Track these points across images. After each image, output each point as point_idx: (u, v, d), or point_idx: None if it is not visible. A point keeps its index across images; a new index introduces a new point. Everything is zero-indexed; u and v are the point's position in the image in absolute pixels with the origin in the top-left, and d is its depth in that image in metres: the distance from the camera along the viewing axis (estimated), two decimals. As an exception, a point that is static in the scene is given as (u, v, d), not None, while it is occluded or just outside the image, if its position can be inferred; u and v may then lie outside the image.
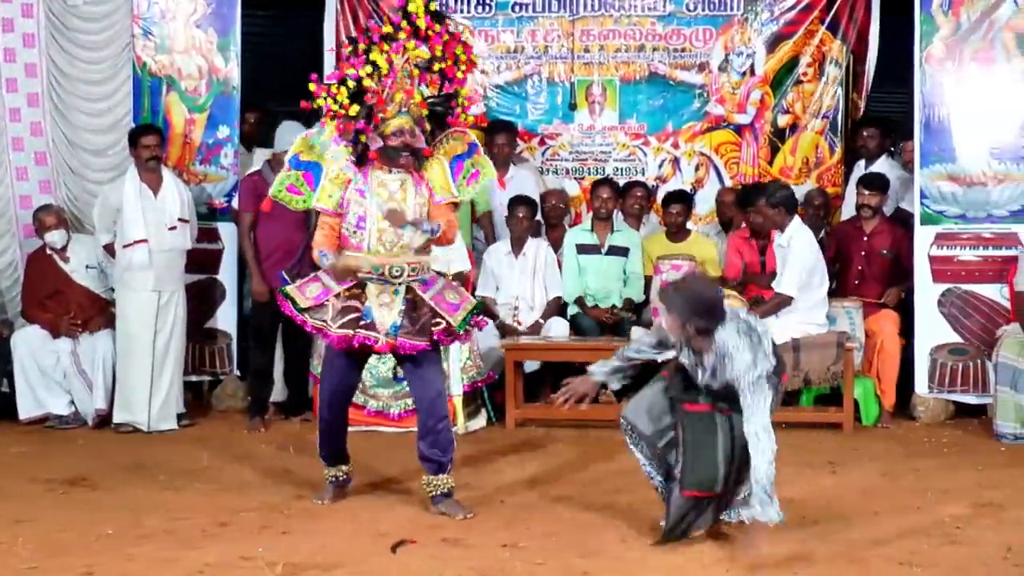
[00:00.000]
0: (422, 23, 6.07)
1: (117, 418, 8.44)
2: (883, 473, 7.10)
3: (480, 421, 8.57)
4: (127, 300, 8.46)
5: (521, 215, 9.18)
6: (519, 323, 9.20)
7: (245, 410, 8.86)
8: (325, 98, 6.03)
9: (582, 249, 9.32)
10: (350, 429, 8.18)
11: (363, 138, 6.06)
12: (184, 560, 5.42)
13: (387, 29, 6.05)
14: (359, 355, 6.22)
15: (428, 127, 6.15)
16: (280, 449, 7.83)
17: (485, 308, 9.14)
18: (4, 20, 9.17)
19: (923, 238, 8.71)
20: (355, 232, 6.07)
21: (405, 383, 8.18)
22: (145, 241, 8.36)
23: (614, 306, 9.22)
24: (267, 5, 10.48)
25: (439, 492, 6.20)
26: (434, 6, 6.17)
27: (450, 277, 6.33)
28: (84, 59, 9.34)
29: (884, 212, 9.09)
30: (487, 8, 10.25)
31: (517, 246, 9.27)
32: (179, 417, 8.56)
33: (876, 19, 9.86)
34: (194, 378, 9.25)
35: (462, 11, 10.20)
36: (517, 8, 10.24)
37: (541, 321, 9.18)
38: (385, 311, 6.03)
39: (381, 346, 6.01)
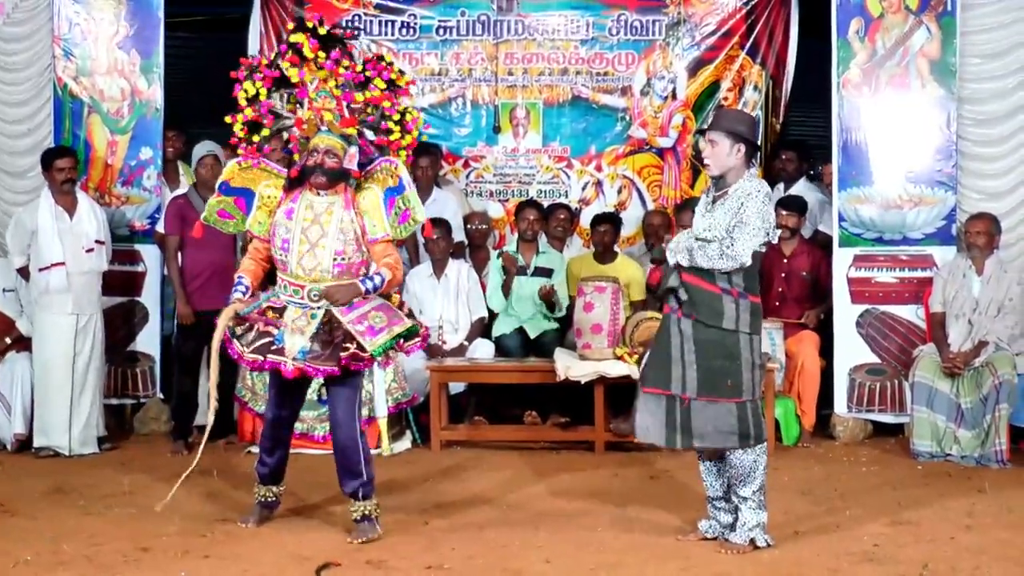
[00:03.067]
0: (308, 52, 6.12)
1: (37, 442, 8.33)
2: (803, 492, 7.18)
3: (405, 443, 8.56)
4: (44, 323, 8.35)
5: (436, 236, 9.19)
6: (444, 342, 9.21)
7: (168, 434, 8.80)
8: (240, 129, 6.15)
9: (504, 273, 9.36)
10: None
11: (296, 157, 6.15)
12: (104, 586, 5.39)
13: (264, 61, 6.23)
14: (294, 381, 6.17)
15: (371, 145, 6.22)
16: (203, 473, 7.73)
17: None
18: (-79, 40, 9.10)
19: (842, 260, 8.85)
20: (281, 254, 6.08)
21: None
22: (63, 264, 8.27)
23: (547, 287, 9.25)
24: (190, 26, 10.45)
25: (355, 516, 6.18)
26: (323, 30, 6.18)
27: (396, 301, 6.28)
28: (4, 80, 9.26)
29: (803, 234, 9.24)
30: (411, 31, 10.28)
31: (438, 268, 9.29)
32: (101, 441, 8.47)
33: (794, 45, 10.04)
34: (116, 401, 9.16)
35: (386, 34, 10.24)
36: (441, 31, 10.29)
37: (466, 343, 9.20)
38: (297, 336, 5.99)
39: (288, 371, 5.96)
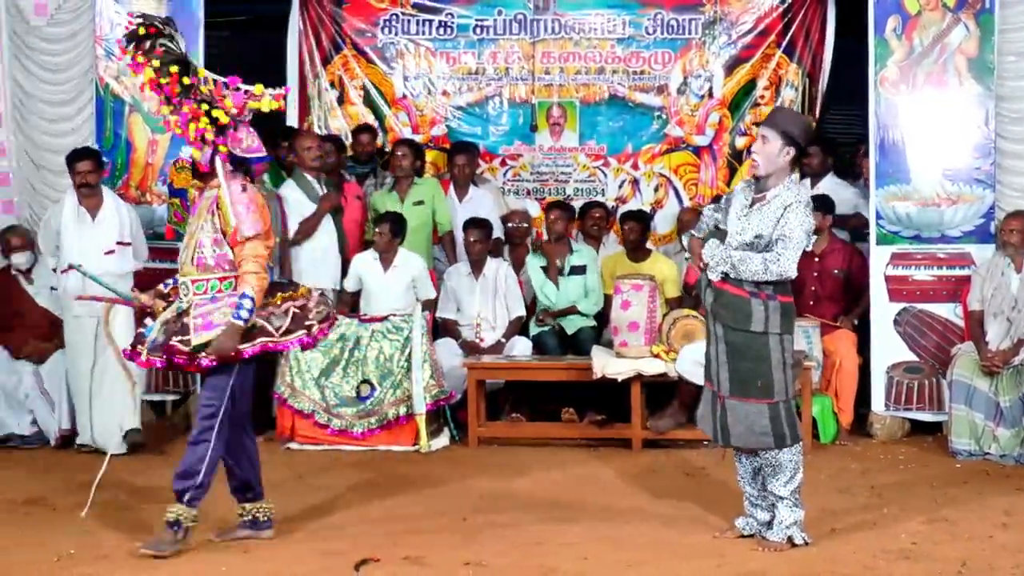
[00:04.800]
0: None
1: (80, 439, 8.39)
2: (840, 490, 7.16)
3: (443, 440, 8.59)
4: (69, 324, 8.37)
5: (473, 239, 9.23)
6: (481, 339, 9.25)
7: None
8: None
9: (544, 271, 9.38)
10: (314, 448, 8.27)
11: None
12: (144, 580, 5.44)
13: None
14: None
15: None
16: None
17: (448, 328, 9.24)
18: (-33, 41, 9.19)
19: (879, 258, 8.81)
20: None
21: (368, 402, 8.29)
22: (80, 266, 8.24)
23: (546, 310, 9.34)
24: (230, 25, 10.53)
25: (168, 518, 5.85)
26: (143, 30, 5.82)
27: (304, 291, 6.06)
28: (47, 80, 9.33)
29: (834, 232, 9.22)
30: (449, 30, 10.35)
31: (476, 268, 9.31)
32: (130, 436, 8.30)
33: (830, 43, 10.05)
34: (157, 397, 9.22)
35: (424, 33, 10.31)
36: (478, 30, 10.34)
37: (503, 340, 9.24)
38: (159, 326, 5.87)
39: (142, 361, 5.89)
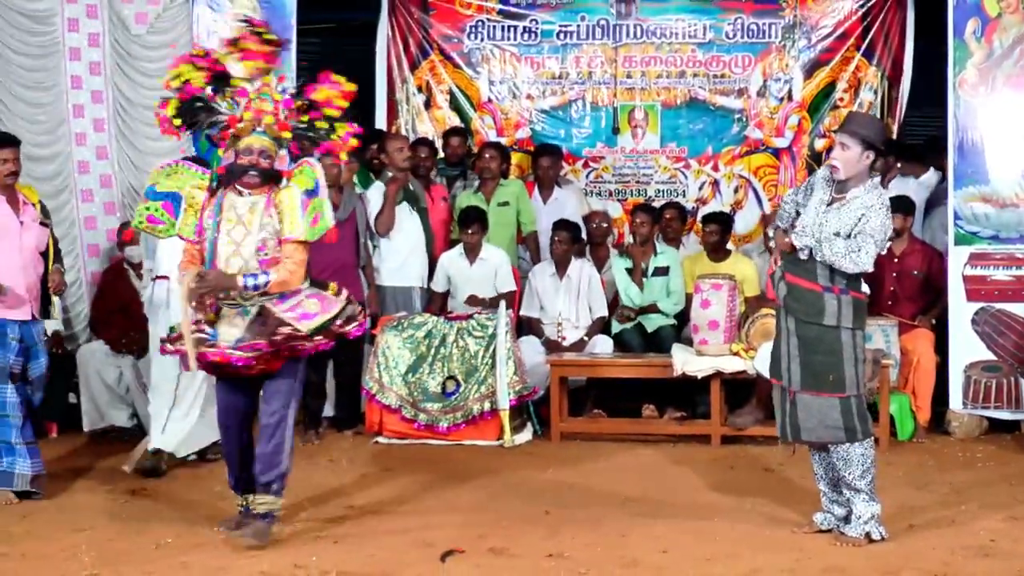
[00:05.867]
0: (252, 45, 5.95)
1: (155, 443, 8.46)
2: (918, 487, 7.17)
3: (526, 435, 8.74)
4: (153, 331, 7.99)
5: (558, 239, 9.40)
6: (563, 337, 9.37)
7: (299, 423, 8.98)
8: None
9: (629, 272, 9.52)
10: (401, 442, 8.39)
11: (220, 152, 6.03)
12: (238, 568, 5.59)
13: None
14: (238, 379, 6.03)
15: (302, 147, 6.07)
16: (332, 462, 8.01)
17: (531, 326, 9.40)
18: (71, 49, 9.39)
19: (957, 258, 8.82)
20: (208, 256, 5.96)
21: (454, 398, 8.46)
22: (166, 278, 8.04)
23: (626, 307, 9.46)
24: (320, 33, 10.75)
25: (260, 511, 6.02)
26: (269, 36, 6.02)
27: (334, 289, 6.12)
28: (147, 86, 9.48)
29: (914, 234, 9.26)
30: (533, 35, 10.52)
31: (560, 268, 9.44)
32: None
33: (910, 46, 10.07)
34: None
35: (509, 39, 10.49)
36: (562, 36, 10.50)
37: (585, 338, 9.36)
38: (233, 329, 5.86)
39: (214, 354, 5.81)
